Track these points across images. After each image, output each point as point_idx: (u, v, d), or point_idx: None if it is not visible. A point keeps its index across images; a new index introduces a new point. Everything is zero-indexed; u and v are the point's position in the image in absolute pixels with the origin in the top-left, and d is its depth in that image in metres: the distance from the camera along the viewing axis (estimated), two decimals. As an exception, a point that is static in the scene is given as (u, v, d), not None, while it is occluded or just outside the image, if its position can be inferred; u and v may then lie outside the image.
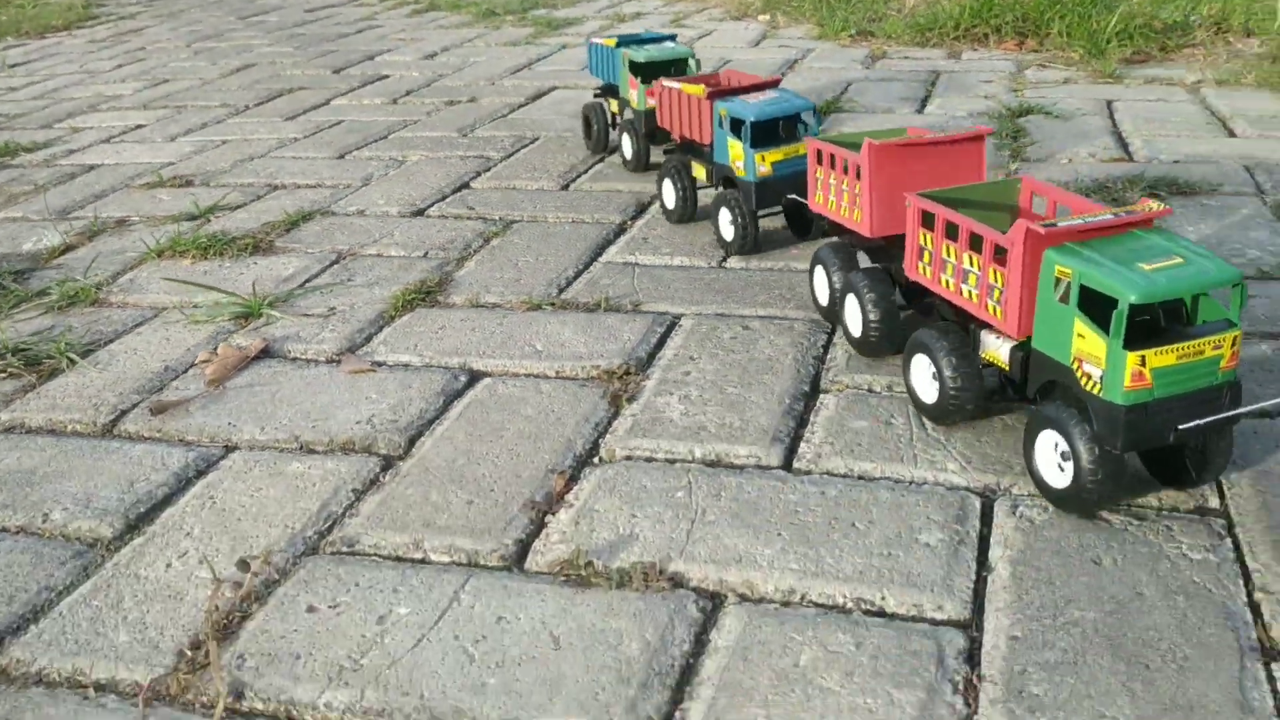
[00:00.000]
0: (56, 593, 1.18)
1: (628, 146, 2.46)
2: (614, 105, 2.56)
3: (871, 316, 1.49)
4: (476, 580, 1.14)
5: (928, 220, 1.34)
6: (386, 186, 2.50)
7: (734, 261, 1.95)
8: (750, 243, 1.93)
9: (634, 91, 2.34)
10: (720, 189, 1.98)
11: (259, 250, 2.15)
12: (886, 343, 1.50)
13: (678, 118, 2.09)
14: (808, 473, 1.30)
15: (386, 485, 1.33)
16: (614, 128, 2.59)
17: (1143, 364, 1.08)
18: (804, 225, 1.87)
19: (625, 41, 2.46)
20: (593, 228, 2.16)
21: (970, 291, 1.29)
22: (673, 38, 2.50)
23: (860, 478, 1.28)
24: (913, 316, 1.53)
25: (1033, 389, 1.22)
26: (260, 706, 1.01)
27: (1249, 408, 1.17)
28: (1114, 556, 1.11)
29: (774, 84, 2.00)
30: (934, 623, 1.04)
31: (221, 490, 1.34)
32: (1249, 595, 1.05)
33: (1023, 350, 1.23)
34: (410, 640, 1.06)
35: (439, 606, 1.10)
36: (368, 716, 0.98)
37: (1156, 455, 1.20)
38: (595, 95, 2.64)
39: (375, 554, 1.20)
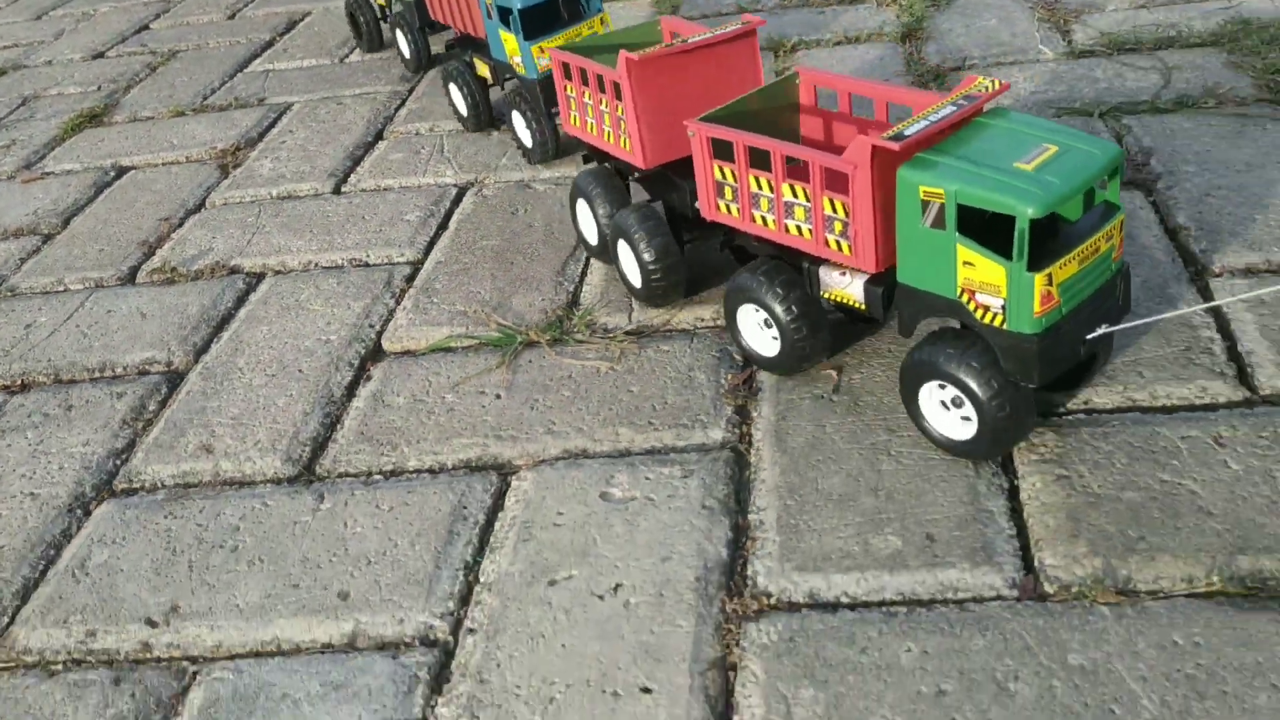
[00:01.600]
0: None
1: (403, 44, 2.18)
2: None
3: (651, 264, 1.28)
4: (98, 294, 1.63)
5: (722, 150, 1.14)
6: (74, 38, 2.85)
7: (354, 57, 2.40)
8: (551, 148, 1.73)
9: None
10: (505, 88, 1.80)
11: (-43, 105, 2.51)
12: (674, 289, 1.32)
13: (448, 8, 1.86)
14: (347, 193, 1.80)
15: (43, 251, 1.79)
16: (384, 20, 2.32)
17: (1050, 282, 0.92)
18: None
19: None
20: (244, 47, 2.57)
21: (800, 227, 1.09)
22: None
23: (383, 190, 1.79)
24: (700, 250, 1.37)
25: (909, 329, 1.05)
26: (-57, 389, 1.49)
27: (1171, 313, 1.07)
28: (527, 206, 1.66)
29: None
30: (394, 264, 1.58)
31: (-81, 276, 1.79)
32: (603, 216, 1.61)
33: (881, 283, 1.05)
34: (46, 334, 1.55)
35: (68, 312, 1.59)
36: (14, 378, 1.47)
37: None
38: None
39: (29, 292, 1.68)
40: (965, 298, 0.96)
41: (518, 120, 1.74)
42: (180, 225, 1.79)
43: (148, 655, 1.01)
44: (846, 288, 1.08)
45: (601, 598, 0.98)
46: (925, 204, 0.94)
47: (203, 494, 1.20)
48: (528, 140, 1.74)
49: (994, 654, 0.86)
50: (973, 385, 0.97)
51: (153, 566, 1.11)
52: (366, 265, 1.59)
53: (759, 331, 1.18)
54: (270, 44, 2.57)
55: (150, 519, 1.17)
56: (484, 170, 1.79)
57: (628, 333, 1.33)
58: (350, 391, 1.32)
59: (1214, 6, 1.91)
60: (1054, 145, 0.94)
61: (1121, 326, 1.01)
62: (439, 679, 0.94)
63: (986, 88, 1.03)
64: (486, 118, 1.88)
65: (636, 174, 1.34)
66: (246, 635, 1.01)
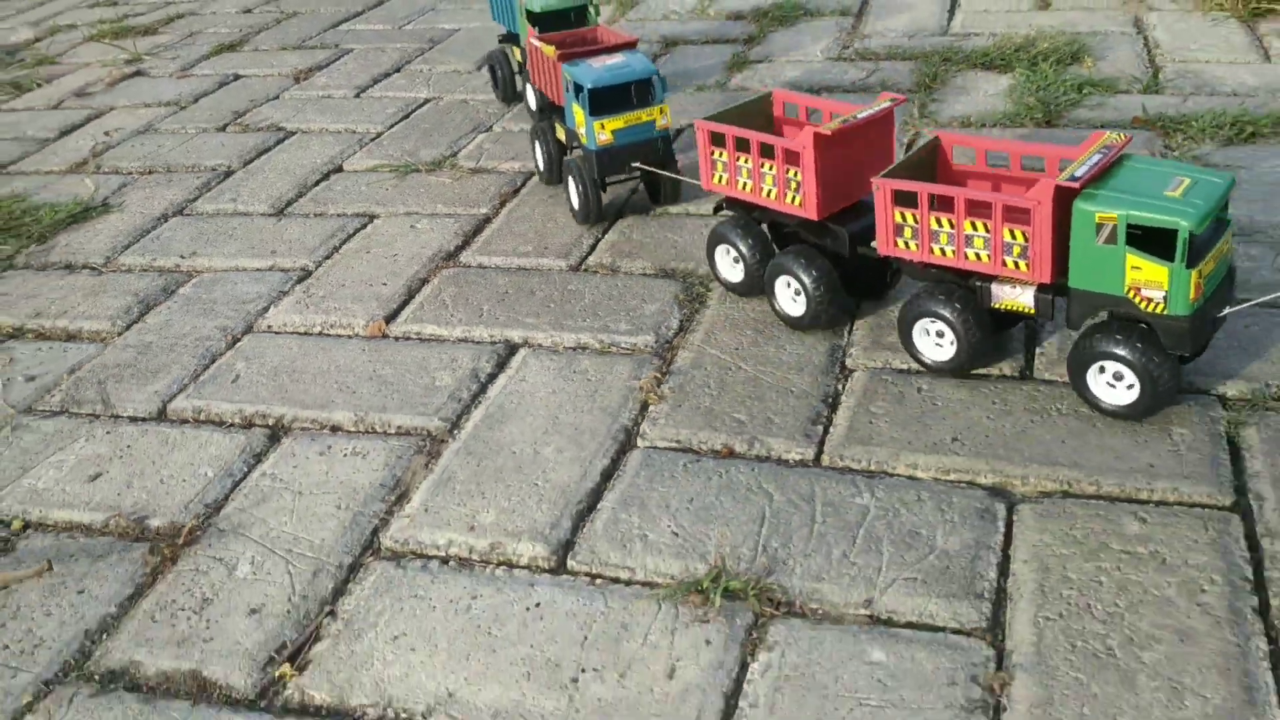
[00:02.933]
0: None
1: (531, 97, 2.39)
2: (517, 54, 2.51)
3: (816, 293, 1.53)
4: (202, 135, 2.73)
5: (900, 198, 1.38)
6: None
7: (409, 25, 3.49)
8: (594, 213, 1.95)
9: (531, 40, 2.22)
10: (571, 153, 2.01)
11: (149, 34, 3.71)
12: (835, 308, 1.56)
13: (541, 76, 2.08)
14: (362, 98, 2.87)
15: (178, 114, 2.91)
16: (519, 74, 2.55)
17: (1200, 276, 1.19)
18: (656, 193, 1.99)
19: None
20: (341, 14, 3.70)
21: (978, 254, 1.34)
22: None
23: (383, 98, 2.85)
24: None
25: (1079, 323, 1.32)
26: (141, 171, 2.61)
27: (1267, 297, 1.40)
28: (460, 111, 2.69)
29: (630, 45, 1.95)
30: (369, 132, 2.63)
31: (109, 118, 2.94)
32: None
33: (1049, 291, 1.32)
34: (167, 150, 2.66)
35: (182, 142, 2.70)
36: (145, 168, 2.58)
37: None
38: (500, 41, 2.61)
39: (164, 132, 2.79)
40: (1132, 294, 1.24)
41: (571, 184, 1.95)
42: (260, 107, 2.90)
43: (176, 269, 2.07)
44: (1018, 298, 1.35)
45: (385, 258, 1.99)
46: (1099, 227, 1.23)
47: (223, 217, 2.27)
48: (575, 203, 1.96)
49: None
50: (1135, 360, 1.26)
51: (189, 237, 2.18)
52: (354, 132, 2.65)
53: (932, 341, 1.45)
54: (360, 13, 3.70)
55: (194, 223, 2.24)
56: (446, 93, 2.84)
57: (471, 170, 2.35)
58: (315, 185, 2.38)
59: (946, 39, 2.82)
60: (1187, 178, 1.24)
61: (1240, 307, 1.34)
62: (301, 281, 1.97)
63: (1117, 138, 1.32)
64: (558, 175, 2.12)
65: (792, 224, 1.58)
66: (224, 264, 2.06)
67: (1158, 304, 1.23)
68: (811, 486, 1.32)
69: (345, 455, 1.48)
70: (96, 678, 1.18)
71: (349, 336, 1.77)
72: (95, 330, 1.88)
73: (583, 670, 1.11)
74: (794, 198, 1.53)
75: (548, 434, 1.47)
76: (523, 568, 1.26)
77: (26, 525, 1.42)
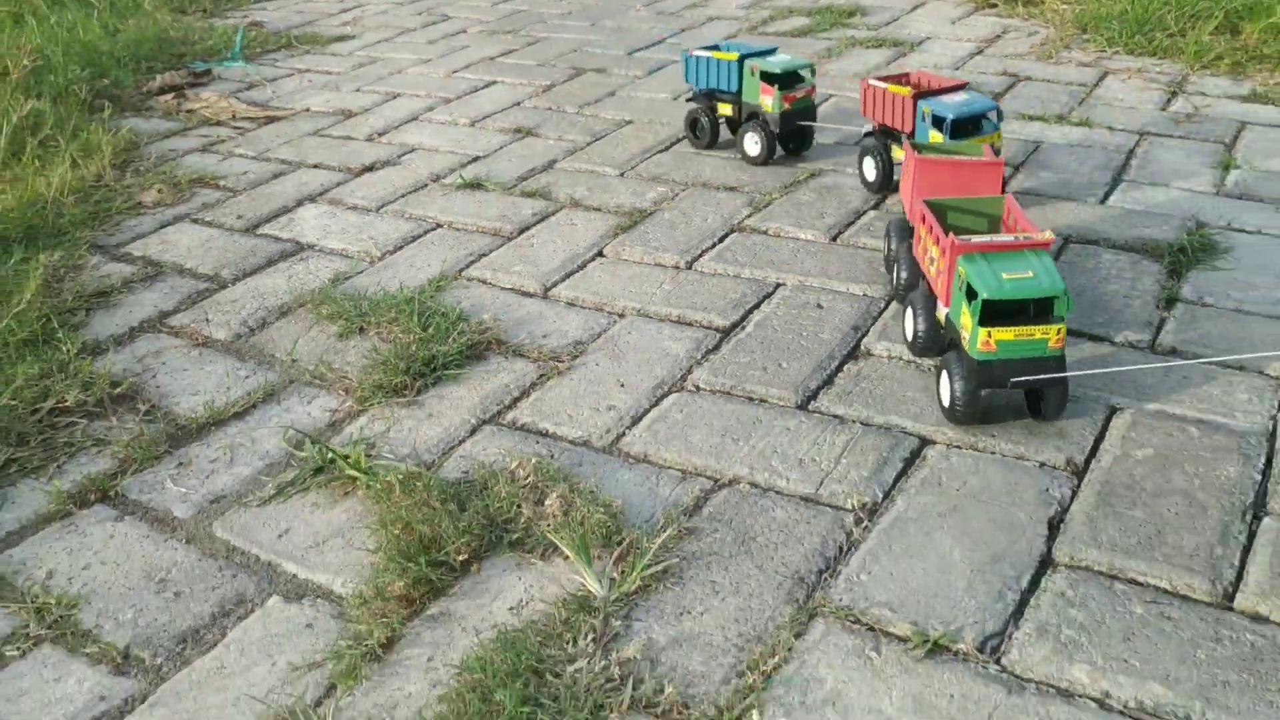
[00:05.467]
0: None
1: (752, 145, 2.72)
2: (722, 109, 2.80)
3: (905, 275, 1.93)
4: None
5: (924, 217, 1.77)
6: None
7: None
8: None
9: (767, 97, 2.64)
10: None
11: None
12: (908, 287, 1.93)
13: (881, 110, 2.44)
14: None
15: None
16: (724, 123, 2.85)
17: (989, 336, 1.54)
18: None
19: (746, 55, 2.68)
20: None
21: (932, 270, 1.75)
22: (773, 50, 2.73)
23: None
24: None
25: (945, 342, 1.70)
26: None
27: (1060, 374, 1.60)
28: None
29: (963, 86, 2.33)
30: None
31: (361, 10, 4.68)
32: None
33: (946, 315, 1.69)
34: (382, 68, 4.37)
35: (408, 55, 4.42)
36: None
37: (1031, 396, 1.63)
38: (688, 100, 2.91)
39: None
40: (961, 329, 1.61)
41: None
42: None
43: (374, 59, 3.74)
44: (941, 314, 1.74)
45: (490, 100, 3.62)
46: (959, 276, 1.60)
47: (409, 60, 3.95)
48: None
49: (563, 125, 3.47)
50: (955, 380, 1.61)
51: (388, 49, 3.85)
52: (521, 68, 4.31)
53: (910, 326, 1.83)
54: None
55: (393, 44, 3.92)
56: (581, 48, 4.46)
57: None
58: (477, 62, 4.03)
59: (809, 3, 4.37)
60: (1033, 273, 1.56)
61: (1035, 378, 1.58)
62: (446, 104, 3.61)
63: (1044, 237, 1.65)
64: (886, 182, 2.49)
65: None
66: (403, 64, 3.73)
67: (967, 341, 1.61)
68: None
69: (445, 129, 3.15)
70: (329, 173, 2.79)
71: (454, 125, 3.35)
72: (336, 73, 3.61)
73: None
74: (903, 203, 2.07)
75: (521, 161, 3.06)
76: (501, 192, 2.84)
77: (308, 108, 3.07)
